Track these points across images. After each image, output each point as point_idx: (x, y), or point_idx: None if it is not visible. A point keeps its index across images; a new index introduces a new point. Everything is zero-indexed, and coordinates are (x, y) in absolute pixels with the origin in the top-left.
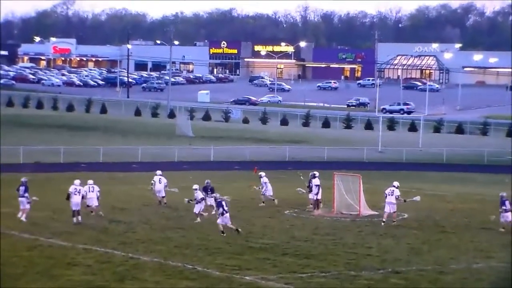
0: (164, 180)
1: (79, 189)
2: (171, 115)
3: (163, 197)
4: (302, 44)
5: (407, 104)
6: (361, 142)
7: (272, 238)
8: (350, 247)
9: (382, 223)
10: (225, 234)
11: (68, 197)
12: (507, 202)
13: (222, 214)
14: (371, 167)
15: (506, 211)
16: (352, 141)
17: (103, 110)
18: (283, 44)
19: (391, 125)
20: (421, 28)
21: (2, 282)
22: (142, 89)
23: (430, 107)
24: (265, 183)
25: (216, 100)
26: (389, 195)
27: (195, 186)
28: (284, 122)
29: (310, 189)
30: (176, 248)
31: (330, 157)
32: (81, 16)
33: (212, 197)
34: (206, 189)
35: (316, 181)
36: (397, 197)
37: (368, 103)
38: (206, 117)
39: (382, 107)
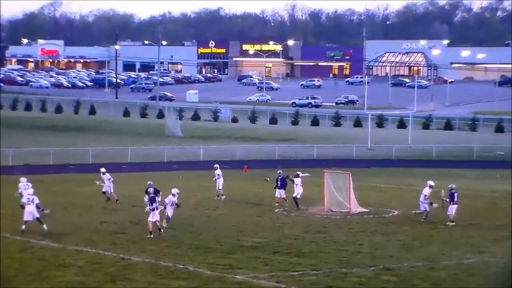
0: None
1: (32, 198)
2: (160, 115)
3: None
4: (290, 42)
5: (315, 98)
6: (350, 140)
7: (263, 237)
8: (341, 244)
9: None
10: (152, 236)
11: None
12: (455, 195)
13: (153, 210)
14: (361, 165)
15: (454, 203)
16: (341, 138)
17: (92, 111)
18: (271, 43)
19: (380, 122)
20: (409, 25)
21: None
22: (130, 89)
23: (418, 104)
24: (219, 175)
25: (205, 100)
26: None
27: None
28: (273, 120)
29: (277, 187)
30: (167, 248)
31: (319, 154)
32: (68, 17)
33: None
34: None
35: (297, 181)
36: (425, 195)
37: (357, 101)
38: (195, 117)
39: (292, 101)
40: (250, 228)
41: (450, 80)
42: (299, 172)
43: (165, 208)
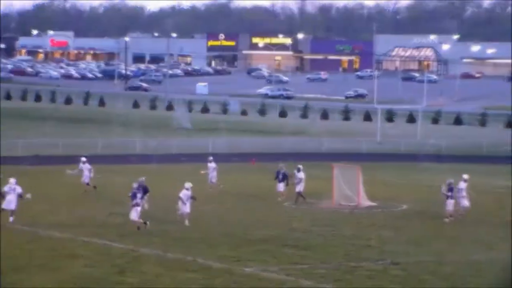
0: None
1: (14, 188)
2: (169, 107)
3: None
4: (300, 36)
5: (287, 90)
6: (359, 134)
7: (271, 230)
8: (349, 238)
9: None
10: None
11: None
12: (453, 190)
13: (134, 206)
14: (370, 159)
15: (451, 198)
16: (350, 132)
17: (101, 103)
18: (280, 36)
19: (390, 116)
20: (419, 20)
21: (4, 275)
22: (140, 81)
23: (428, 99)
24: (214, 168)
25: (215, 93)
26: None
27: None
28: (282, 114)
29: (278, 181)
30: (175, 240)
31: (328, 148)
32: (78, 9)
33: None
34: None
35: (300, 175)
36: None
37: (366, 95)
38: (204, 109)
39: (260, 91)
40: (258, 222)
41: (477, 75)
42: (300, 166)
43: (183, 203)
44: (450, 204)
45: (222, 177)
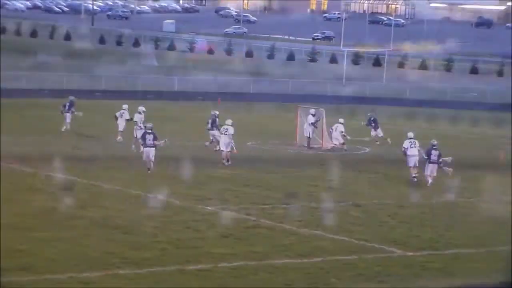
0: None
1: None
2: (136, 44)
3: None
4: None
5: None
6: (325, 76)
7: (234, 169)
8: (311, 179)
9: (415, 178)
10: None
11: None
12: (433, 152)
13: (144, 145)
14: (335, 101)
15: (430, 161)
16: (316, 74)
17: (67, 37)
18: None
19: (356, 59)
20: None
21: None
22: (107, 17)
23: (394, 43)
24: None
25: (182, 31)
26: (410, 147)
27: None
28: (249, 54)
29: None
30: (138, 176)
31: (294, 90)
32: None
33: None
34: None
35: (309, 118)
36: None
37: (334, 37)
38: (171, 47)
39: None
40: (221, 160)
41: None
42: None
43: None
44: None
45: (189, 116)
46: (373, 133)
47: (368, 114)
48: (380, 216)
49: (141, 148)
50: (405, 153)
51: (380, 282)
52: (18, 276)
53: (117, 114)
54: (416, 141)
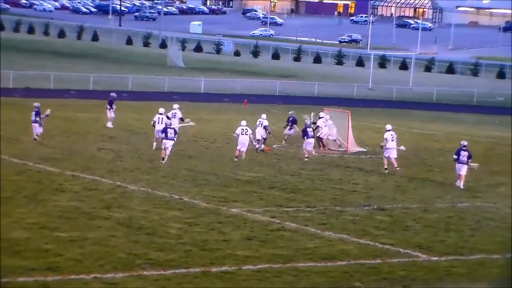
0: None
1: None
2: (163, 45)
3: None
4: None
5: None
6: (351, 79)
7: (259, 171)
8: (336, 183)
9: (389, 170)
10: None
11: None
12: (462, 152)
13: (165, 138)
14: (361, 104)
15: (459, 162)
16: (342, 77)
17: (95, 38)
18: None
19: (382, 62)
20: None
21: None
22: (134, 18)
23: (422, 46)
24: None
25: (209, 32)
26: (391, 140)
27: (161, 110)
28: (275, 56)
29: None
30: (163, 178)
31: (320, 92)
32: None
33: (293, 128)
34: (290, 121)
35: (320, 122)
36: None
37: (360, 40)
38: (198, 49)
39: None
40: (247, 162)
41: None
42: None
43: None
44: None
45: (213, 117)
46: (287, 132)
47: (289, 113)
48: (405, 220)
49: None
50: (384, 145)
51: (404, 287)
52: (43, 276)
53: (169, 114)
54: (394, 133)
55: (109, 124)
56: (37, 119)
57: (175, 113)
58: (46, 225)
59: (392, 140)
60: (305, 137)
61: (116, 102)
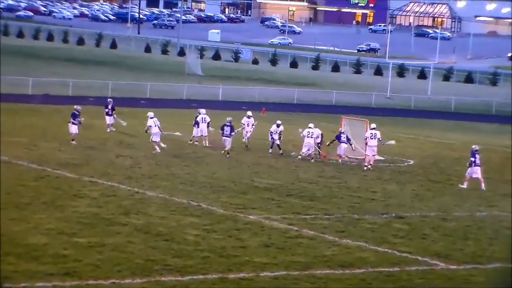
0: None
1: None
2: (181, 53)
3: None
4: None
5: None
6: (370, 88)
7: (277, 179)
8: (354, 190)
9: (365, 168)
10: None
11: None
12: (477, 156)
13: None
14: (379, 113)
15: (475, 164)
16: (361, 86)
17: (113, 45)
18: None
19: (401, 71)
20: None
21: (6, 210)
22: (153, 26)
23: (440, 55)
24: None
25: (227, 40)
26: (370, 138)
27: (150, 114)
28: (293, 64)
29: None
30: (181, 184)
31: (338, 101)
32: None
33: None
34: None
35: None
36: (379, 139)
37: (379, 49)
38: (216, 57)
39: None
40: (265, 170)
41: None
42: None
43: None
44: (475, 171)
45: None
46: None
47: (227, 119)
48: (423, 229)
49: (157, 148)
50: (366, 143)
51: None
52: (61, 281)
53: (198, 119)
54: (377, 132)
55: (110, 129)
56: (74, 120)
57: (204, 117)
58: (64, 231)
59: (372, 138)
60: (339, 142)
61: (134, 109)
